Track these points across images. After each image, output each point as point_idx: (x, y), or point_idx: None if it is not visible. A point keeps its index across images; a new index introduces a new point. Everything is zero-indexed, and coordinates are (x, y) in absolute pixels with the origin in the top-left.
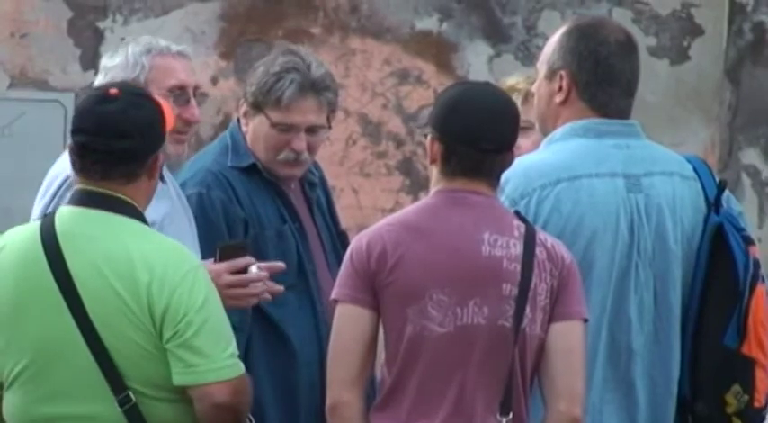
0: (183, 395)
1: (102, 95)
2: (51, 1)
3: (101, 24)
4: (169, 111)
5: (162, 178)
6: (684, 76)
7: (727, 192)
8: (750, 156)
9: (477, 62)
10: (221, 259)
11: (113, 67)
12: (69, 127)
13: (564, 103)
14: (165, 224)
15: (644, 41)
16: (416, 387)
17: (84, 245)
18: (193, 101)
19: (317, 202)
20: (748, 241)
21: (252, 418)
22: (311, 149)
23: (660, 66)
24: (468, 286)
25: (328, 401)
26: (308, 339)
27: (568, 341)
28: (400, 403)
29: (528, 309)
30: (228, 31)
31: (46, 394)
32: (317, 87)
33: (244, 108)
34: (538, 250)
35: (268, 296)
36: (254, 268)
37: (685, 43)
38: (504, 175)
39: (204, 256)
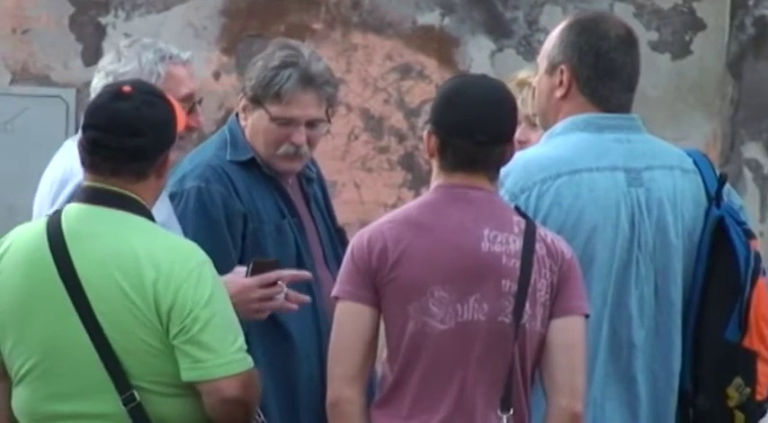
0: (191, 390)
1: (115, 93)
2: None
3: (102, 20)
4: (181, 112)
5: None
6: (686, 71)
7: (727, 185)
8: (752, 150)
9: (479, 57)
10: (253, 274)
11: (125, 73)
12: (71, 122)
13: (564, 97)
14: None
15: (645, 36)
16: (418, 384)
17: (91, 243)
18: (198, 108)
19: (314, 197)
20: (749, 235)
21: (260, 413)
22: (311, 143)
23: (662, 60)
24: (468, 283)
25: (329, 398)
26: (307, 333)
27: (569, 336)
28: (402, 400)
29: (527, 305)
30: (230, 27)
31: (52, 392)
32: (317, 81)
33: (243, 102)
34: (537, 246)
35: (294, 307)
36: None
37: (687, 37)
38: (505, 169)
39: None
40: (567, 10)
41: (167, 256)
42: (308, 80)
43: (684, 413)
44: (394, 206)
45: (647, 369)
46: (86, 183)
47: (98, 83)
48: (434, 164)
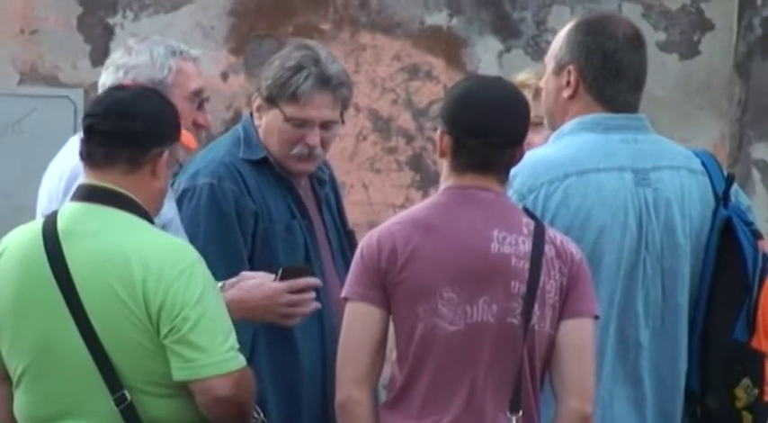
0: (183, 391)
1: (115, 86)
2: None
3: (111, 20)
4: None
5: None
6: (694, 71)
7: (735, 185)
8: (760, 150)
9: (486, 57)
10: (282, 279)
11: (136, 65)
12: (79, 123)
13: (572, 97)
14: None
15: (653, 36)
16: (427, 385)
17: (83, 241)
18: (205, 106)
19: (325, 199)
20: (757, 235)
21: (259, 411)
22: (324, 145)
23: (670, 60)
24: (477, 284)
25: (338, 398)
26: (312, 335)
27: (579, 338)
28: (411, 401)
29: (536, 306)
30: (238, 27)
31: (46, 393)
32: (333, 83)
33: (257, 102)
34: (547, 248)
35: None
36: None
37: (695, 38)
38: (513, 170)
39: (215, 247)
40: (575, 10)
41: (158, 256)
42: (325, 82)
43: (692, 413)
44: (402, 207)
45: (653, 369)
46: (83, 181)
47: (107, 78)
48: (445, 164)
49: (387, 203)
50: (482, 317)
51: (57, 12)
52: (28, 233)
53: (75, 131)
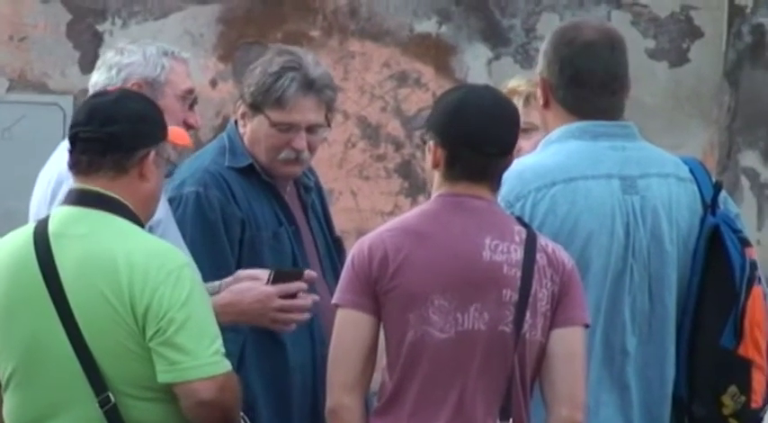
0: (168, 394)
1: (98, 93)
2: (50, 4)
3: (100, 27)
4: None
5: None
6: (683, 79)
7: (723, 193)
8: (749, 158)
9: (475, 65)
10: (274, 283)
11: (129, 64)
12: (68, 130)
13: (546, 107)
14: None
15: (643, 44)
16: (417, 392)
17: (73, 245)
18: (195, 107)
19: (312, 206)
20: (745, 242)
21: (246, 418)
22: (311, 149)
23: (659, 68)
24: (468, 292)
25: (328, 405)
26: (301, 342)
27: (570, 346)
28: (401, 408)
29: (528, 314)
30: (227, 34)
31: (33, 396)
32: (317, 86)
33: (242, 109)
34: (538, 256)
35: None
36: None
37: (684, 45)
38: None
39: (201, 256)
40: (564, 18)
41: (145, 259)
42: (309, 85)
43: (679, 420)
44: (391, 214)
45: (640, 376)
46: (71, 186)
47: (99, 77)
48: (436, 174)
49: (375, 211)
50: (473, 325)
51: (46, 19)
52: (20, 236)
53: (64, 138)
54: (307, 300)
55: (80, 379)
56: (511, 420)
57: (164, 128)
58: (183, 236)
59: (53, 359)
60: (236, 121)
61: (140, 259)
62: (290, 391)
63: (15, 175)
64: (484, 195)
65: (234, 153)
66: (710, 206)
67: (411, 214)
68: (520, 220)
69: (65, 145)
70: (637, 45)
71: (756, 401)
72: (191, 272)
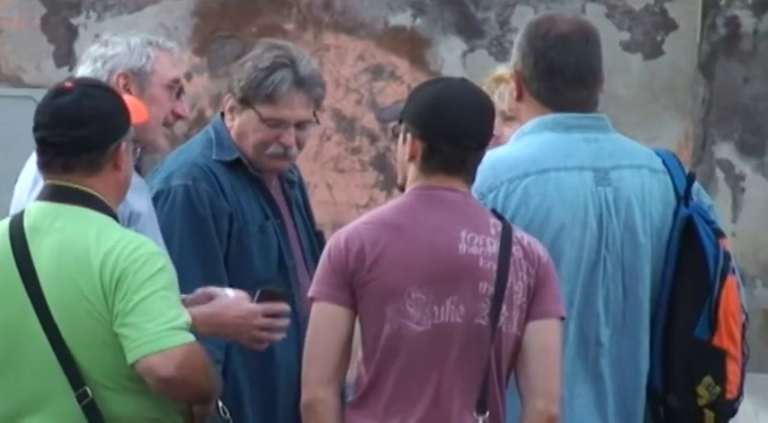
0: (146, 386)
1: (57, 90)
2: None
3: (74, 21)
4: (137, 104)
5: (139, 171)
6: (658, 71)
7: (697, 185)
8: (724, 150)
9: (450, 57)
10: (259, 301)
11: (114, 55)
12: None
13: (519, 99)
14: (148, 218)
15: (617, 36)
16: (393, 385)
17: (48, 238)
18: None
19: (295, 200)
20: (718, 233)
21: (226, 410)
22: (299, 144)
23: (633, 60)
24: (444, 284)
25: (304, 399)
26: (287, 337)
27: (545, 339)
28: (377, 401)
29: (504, 307)
30: (202, 28)
31: (10, 388)
32: (308, 83)
33: (230, 103)
34: (514, 249)
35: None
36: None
37: (659, 38)
38: None
39: (190, 249)
40: (538, 10)
41: (117, 251)
42: (300, 82)
43: (655, 412)
44: (366, 207)
45: (614, 367)
46: (45, 182)
47: (85, 71)
48: (412, 166)
49: (351, 203)
50: (449, 317)
51: (20, 12)
52: None
53: None
54: (287, 321)
55: (57, 373)
56: (487, 413)
57: (128, 116)
58: (172, 228)
59: (30, 354)
60: (222, 114)
61: (113, 252)
62: (275, 385)
63: None
64: (459, 188)
65: (221, 146)
66: (684, 197)
67: (387, 207)
68: (495, 212)
69: None
70: (611, 37)
71: (731, 392)
72: (162, 260)
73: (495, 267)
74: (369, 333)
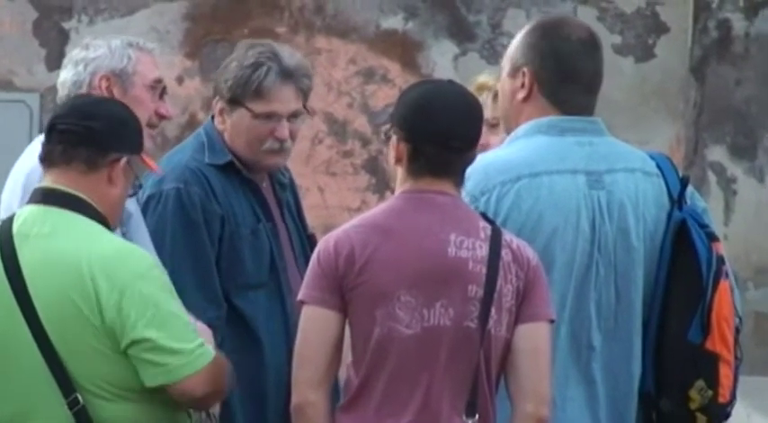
0: (139, 394)
1: (82, 94)
2: (16, 1)
3: (66, 25)
4: (152, 161)
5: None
6: (650, 74)
7: (690, 188)
8: (716, 153)
9: (442, 61)
10: None
11: (96, 57)
12: (35, 127)
13: (526, 99)
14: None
15: (609, 39)
16: (383, 388)
17: (37, 244)
18: (165, 97)
19: (287, 203)
20: (712, 237)
21: (215, 416)
22: (291, 136)
23: (625, 63)
24: (434, 288)
25: (294, 402)
26: (278, 341)
27: (535, 342)
28: (367, 404)
29: (493, 310)
30: (194, 31)
31: (0, 397)
32: (295, 74)
33: (220, 105)
34: (503, 252)
35: None
36: None
37: (650, 41)
38: (466, 172)
39: (182, 252)
40: (530, 14)
41: (110, 260)
42: (287, 74)
43: (647, 415)
44: (358, 210)
45: (606, 371)
46: (38, 185)
47: (67, 74)
48: (399, 169)
49: (342, 207)
50: (439, 321)
51: (12, 16)
52: None
53: (30, 135)
54: None
55: (48, 381)
56: (477, 416)
57: (140, 140)
58: (164, 231)
59: (20, 359)
60: (212, 118)
61: (105, 260)
62: (265, 389)
63: None
64: (448, 190)
65: (213, 150)
66: (677, 201)
67: (376, 211)
68: (484, 216)
69: (36, 142)
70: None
71: (724, 396)
72: (158, 272)
73: (484, 270)
74: (358, 336)
